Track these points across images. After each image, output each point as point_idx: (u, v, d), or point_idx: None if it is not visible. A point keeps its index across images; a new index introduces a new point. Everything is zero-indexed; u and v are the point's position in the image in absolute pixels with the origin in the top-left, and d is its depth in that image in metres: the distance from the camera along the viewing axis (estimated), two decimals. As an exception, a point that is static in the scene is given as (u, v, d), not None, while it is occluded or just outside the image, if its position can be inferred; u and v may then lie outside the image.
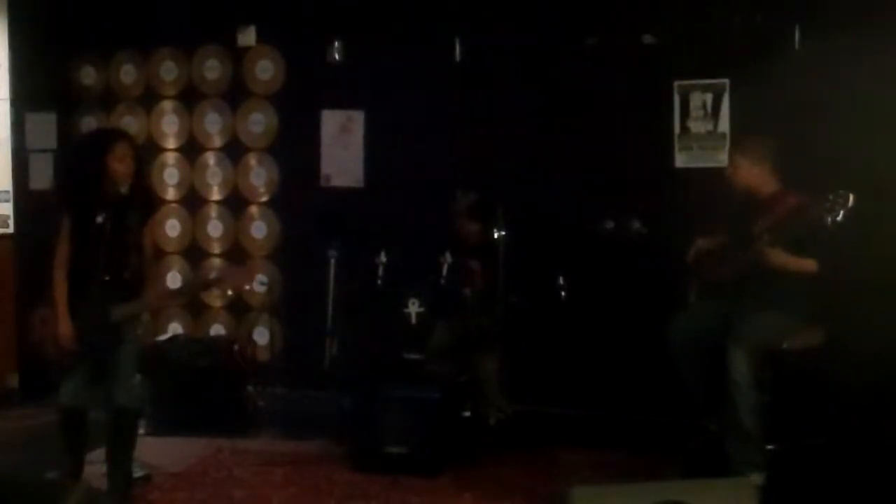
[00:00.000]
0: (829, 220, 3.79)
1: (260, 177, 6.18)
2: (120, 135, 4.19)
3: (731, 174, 4.38)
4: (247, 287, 3.86)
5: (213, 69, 6.22)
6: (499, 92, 5.57)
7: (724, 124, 5.22)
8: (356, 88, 5.89)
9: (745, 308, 4.14)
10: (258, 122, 6.16)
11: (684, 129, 5.31)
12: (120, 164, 3.98)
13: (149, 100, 6.36)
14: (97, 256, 3.90)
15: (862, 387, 4.45)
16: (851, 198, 3.77)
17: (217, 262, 6.21)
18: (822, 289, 4.18)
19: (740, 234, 4.24)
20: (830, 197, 3.79)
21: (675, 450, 4.41)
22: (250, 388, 5.56)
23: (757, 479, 3.91)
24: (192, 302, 6.30)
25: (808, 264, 4.07)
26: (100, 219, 3.92)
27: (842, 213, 3.77)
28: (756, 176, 4.30)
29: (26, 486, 3.30)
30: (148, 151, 6.34)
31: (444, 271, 4.97)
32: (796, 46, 5.01)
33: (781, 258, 4.04)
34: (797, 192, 4.13)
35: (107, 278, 3.93)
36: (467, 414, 4.87)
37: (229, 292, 3.96)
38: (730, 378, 3.99)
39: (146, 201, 4.19)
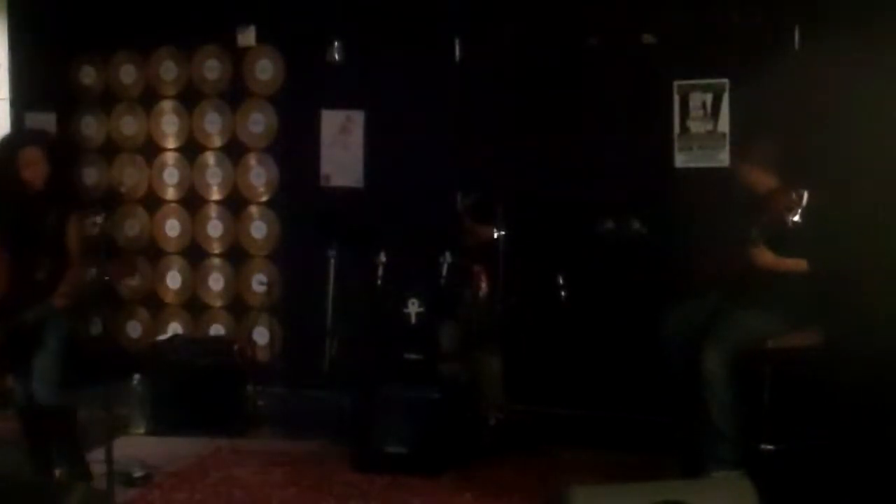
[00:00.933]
0: (789, 220, 3.78)
1: (260, 177, 6.18)
2: (29, 139, 4.21)
3: (734, 171, 4.40)
4: (130, 281, 3.96)
5: (212, 69, 6.21)
6: (499, 92, 5.56)
7: (724, 124, 5.22)
8: (356, 88, 5.89)
9: (729, 306, 4.15)
10: (258, 122, 6.16)
11: (684, 129, 5.31)
12: (27, 170, 4.00)
13: (149, 100, 6.36)
14: (12, 258, 3.97)
15: (862, 387, 4.45)
16: (805, 196, 3.74)
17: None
18: (821, 289, 4.18)
19: (741, 234, 4.24)
20: (793, 196, 3.79)
21: (675, 450, 4.41)
22: (250, 388, 5.55)
23: (725, 477, 3.92)
24: (191, 302, 6.34)
25: (797, 264, 4.06)
26: (13, 222, 3.98)
27: (798, 212, 3.75)
28: (756, 175, 4.30)
29: (26, 486, 3.30)
30: (148, 151, 6.38)
31: (444, 271, 4.97)
32: (796, 46, 5.01)
33: (769, 258, 4.03)
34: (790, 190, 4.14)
35: (22, 279, 3.97)
36: (467, 414, 4.87)
37: (132, 282, 4.02)
38: (702, 376, 4.00)
39: (63, 202, 4.18)
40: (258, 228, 6.21)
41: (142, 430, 5.17)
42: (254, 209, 6.21)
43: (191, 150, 6.30)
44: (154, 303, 6.42)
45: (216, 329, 6.31)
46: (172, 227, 6.38)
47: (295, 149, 6.06)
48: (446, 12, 5.67)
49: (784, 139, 4.39)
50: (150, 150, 6.36)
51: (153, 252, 6.40)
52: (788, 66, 4.85)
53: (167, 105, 6.33)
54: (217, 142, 6.25)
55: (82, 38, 6.35)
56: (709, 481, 3.91)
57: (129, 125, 6.40)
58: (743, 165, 4.36)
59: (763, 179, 4.30)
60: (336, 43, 5.87)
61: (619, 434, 4.99)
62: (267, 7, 6.03)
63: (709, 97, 5.24)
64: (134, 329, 6.46)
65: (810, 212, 3.90)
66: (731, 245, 4.26)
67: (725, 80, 5.21)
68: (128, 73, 6.38)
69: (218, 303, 6.31)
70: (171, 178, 6.36)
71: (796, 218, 3.76)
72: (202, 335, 6.23)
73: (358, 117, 5.94)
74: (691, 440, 4.27)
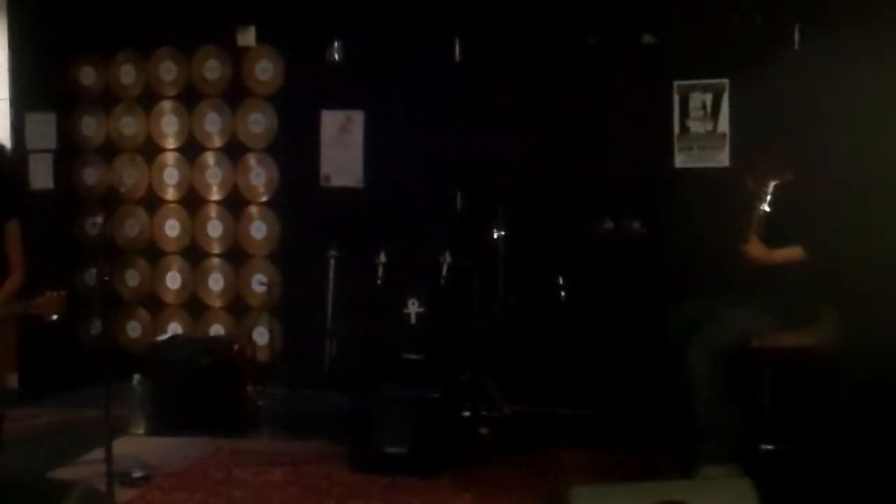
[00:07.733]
0: (760, 209, 3.89)
1: (260, 177, 6.18)
2: None
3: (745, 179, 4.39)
4: (54, 317, 4.00)
5: (212, 69, 6.21)
6: (499, 92, 5.56)
7: (724, 124, 5.22)
8: (356, 88, 5.89)
9: (720, 304, 4.16)
10: (258, 122, 6.16)
11: (684, 129, 5.32)
12: None
13: (148, 100, 6.36)
14: None
15: (862, 387, 4.45)
16: (771, 186, 3.93)
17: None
18: (819, 289, 4.18)
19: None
20: (761, 187, 3.90)
21: (675, 450, 4.41)
22: (250, 388, 5.55)
23: (711, 473, 3.93)
24: (191, 302, 6.34)
25: (792, 253, 4.07)
26: None
27: (767, 200, 3.86)
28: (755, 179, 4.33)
29: (26, 486, 3.30)
30: (148, 151, 6.38)
31: (444, 271, 4.97)
32: (796, 46, 5.01)
33: (759, 251, 4.05)
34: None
35: None
36: (467, 414, 4.87)
37: (54, 317, 4.05)
38: (684, 373, 4.02)
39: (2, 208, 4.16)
40: (258, 228, 6.21)
41: (142, 430, 5.16)
42: (254, 209, 6.21)
43: (191, 150, 6.30)
44: (154, 303, 6.42)
45: (216, 329, 6.31)
46: (172, 227, 6.37)
47: (295, 149, 6.06)
48: (446, 12, 5.67)
49: (783, 139, 4.40)
50: (150, 150, 6.36)
51: (153, 252, 6.40)
52: (788, 66, 4.86)
53: (167, 105, 6.33)
54: (217, 142, 6.25)
55: (82, 38, 6.35)
56: (709, 481, 3.91)
57: (129, 125, 6.40)
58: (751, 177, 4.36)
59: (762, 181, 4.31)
60: (336, 43, 5.88)
61: (619, 434, 4.99)
62: (267, 7, 6.04)
63: (709, 97, 5.25)
64: (134, 329, 6.47)
65: (783, 200, 3.96)
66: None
67: (725, 80, 5.21)
68: (128, 73, 6.38)
69: (218, 303, 6.31)
70: (171, 178, 6.36)
71: (765, 207, 3.88)
72: (202, 335, 6.23)
73: (358, 117, 5.94)
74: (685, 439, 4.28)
